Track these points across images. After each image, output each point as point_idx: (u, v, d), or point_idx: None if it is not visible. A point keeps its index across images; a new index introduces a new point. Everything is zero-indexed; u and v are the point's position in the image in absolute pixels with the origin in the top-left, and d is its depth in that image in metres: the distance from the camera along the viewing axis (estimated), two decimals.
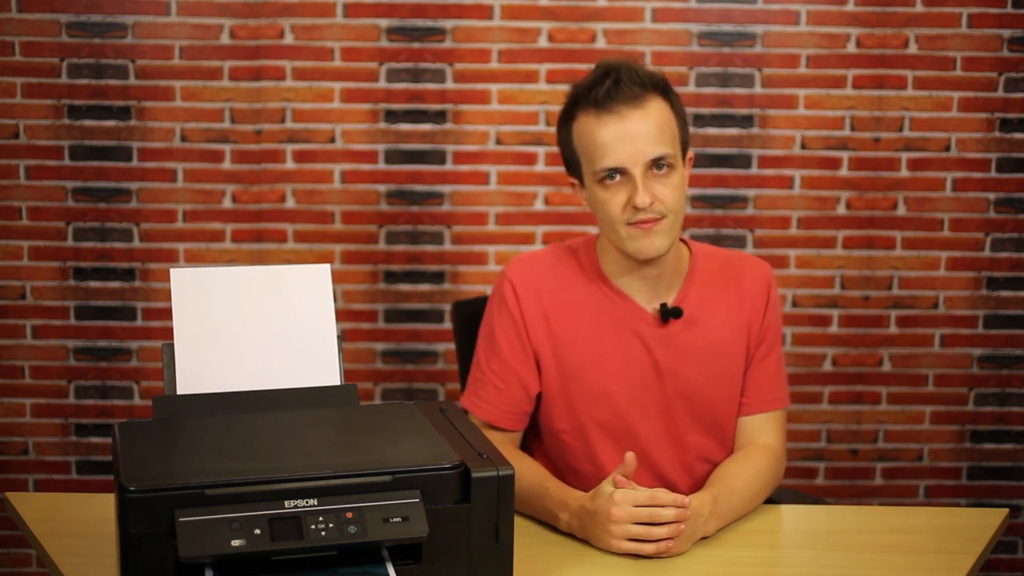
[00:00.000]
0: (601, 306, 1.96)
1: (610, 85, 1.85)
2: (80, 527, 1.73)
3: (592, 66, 1.95)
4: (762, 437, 1.98)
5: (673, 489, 1.83)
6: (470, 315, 2.22)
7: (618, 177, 1.86)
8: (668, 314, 1.94)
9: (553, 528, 1.78)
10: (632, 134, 1.84)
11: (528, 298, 1.98)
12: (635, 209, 1.84)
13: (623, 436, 1.96)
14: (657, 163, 1.85)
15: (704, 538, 1.74)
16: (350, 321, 3.09)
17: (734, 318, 1.98)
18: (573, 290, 1.98)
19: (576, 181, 1.95)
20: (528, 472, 1.84)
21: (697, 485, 1.94)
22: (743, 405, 1.99)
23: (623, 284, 1.96)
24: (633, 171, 1.84)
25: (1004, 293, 3.13)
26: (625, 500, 1.67)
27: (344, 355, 1.71)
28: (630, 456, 1.72)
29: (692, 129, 3.02)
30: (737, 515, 1.81)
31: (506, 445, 1.93)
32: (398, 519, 1.40)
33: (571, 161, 1.94)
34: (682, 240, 2.01)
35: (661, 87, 1.89)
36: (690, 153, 1.95)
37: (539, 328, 1.97)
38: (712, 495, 1.76)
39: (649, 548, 1.65)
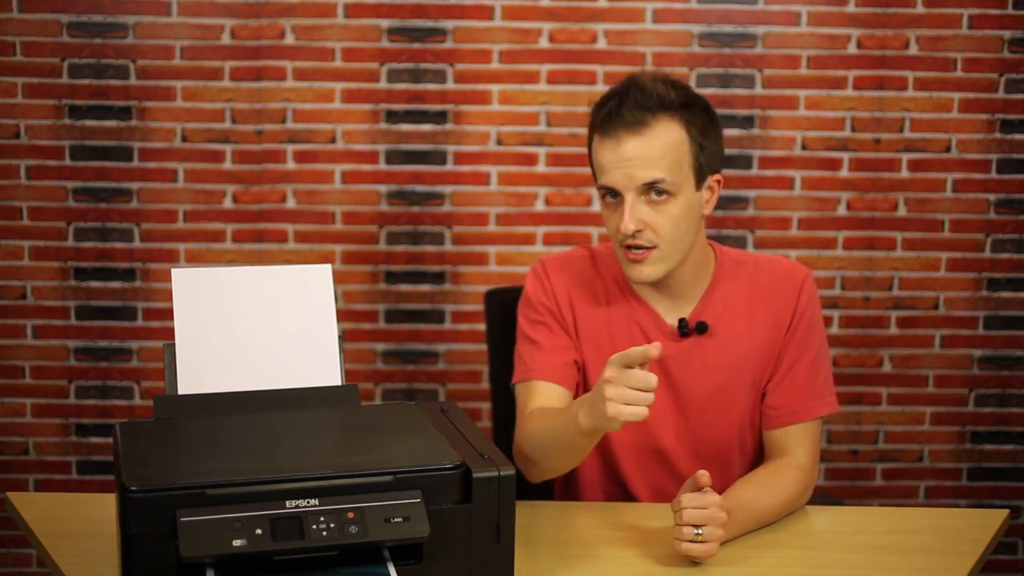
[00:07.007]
0: (621, 311, 1.96)
1: (612, 108, 1.82)
2: (81, 527, 1.73)
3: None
4: (790, 451, 1.91)
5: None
6: (502, 303, 2.21)
7: (616, 198, 1.84)
8: (688, 330, 1.92)
9: (555, 529, 1.77)
10: (625, 159, 1.80)
11: (561, 289, 1.98)
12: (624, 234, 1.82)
13: (639, 433, 1.95)
14: (653, 188, 1.80)
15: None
16: (351, 321, 3.09)
17: (757, 330, 1.93)
18: (597, 291, 1.98)
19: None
20: (549, 412, 1.83)
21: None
22: (771, 417, 1.94)
23: (644, 292, 1.95)
24: (625, 195, 1.81)
25: (1004, 294, 3.13)
26: (614, 360, 1.57)
27: (345, 355, 1.72)
28: (702, 475, 1.67)
29: None
30: (746, 531, 1.77)
31: (557, 400, 1.91)
32: (399, 519, 1.40)
33: (593, 170, 1.93)
34: (711, 244, 1.98)
35: (673, 107, 1.81)
36: (717, 175, 1.88)
37: (567, 316, 1.97)
38: (727, 507, 1.73)
39: (694, 549, 1.62)
